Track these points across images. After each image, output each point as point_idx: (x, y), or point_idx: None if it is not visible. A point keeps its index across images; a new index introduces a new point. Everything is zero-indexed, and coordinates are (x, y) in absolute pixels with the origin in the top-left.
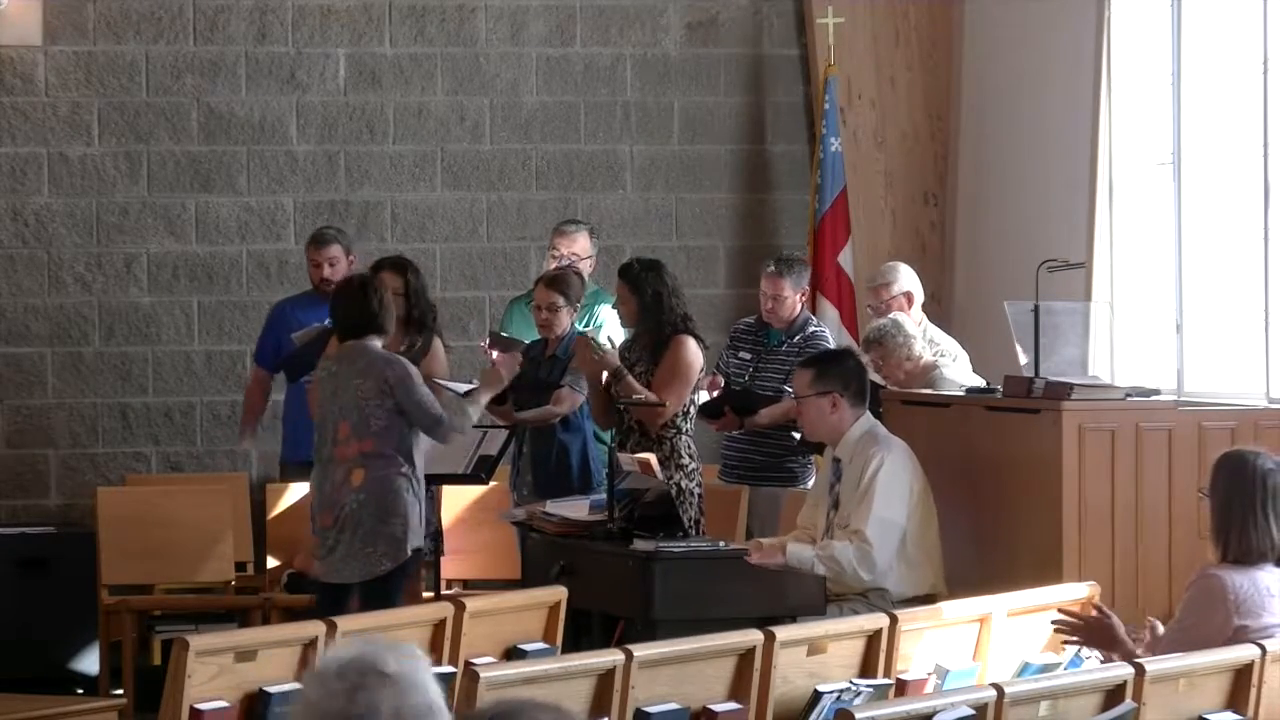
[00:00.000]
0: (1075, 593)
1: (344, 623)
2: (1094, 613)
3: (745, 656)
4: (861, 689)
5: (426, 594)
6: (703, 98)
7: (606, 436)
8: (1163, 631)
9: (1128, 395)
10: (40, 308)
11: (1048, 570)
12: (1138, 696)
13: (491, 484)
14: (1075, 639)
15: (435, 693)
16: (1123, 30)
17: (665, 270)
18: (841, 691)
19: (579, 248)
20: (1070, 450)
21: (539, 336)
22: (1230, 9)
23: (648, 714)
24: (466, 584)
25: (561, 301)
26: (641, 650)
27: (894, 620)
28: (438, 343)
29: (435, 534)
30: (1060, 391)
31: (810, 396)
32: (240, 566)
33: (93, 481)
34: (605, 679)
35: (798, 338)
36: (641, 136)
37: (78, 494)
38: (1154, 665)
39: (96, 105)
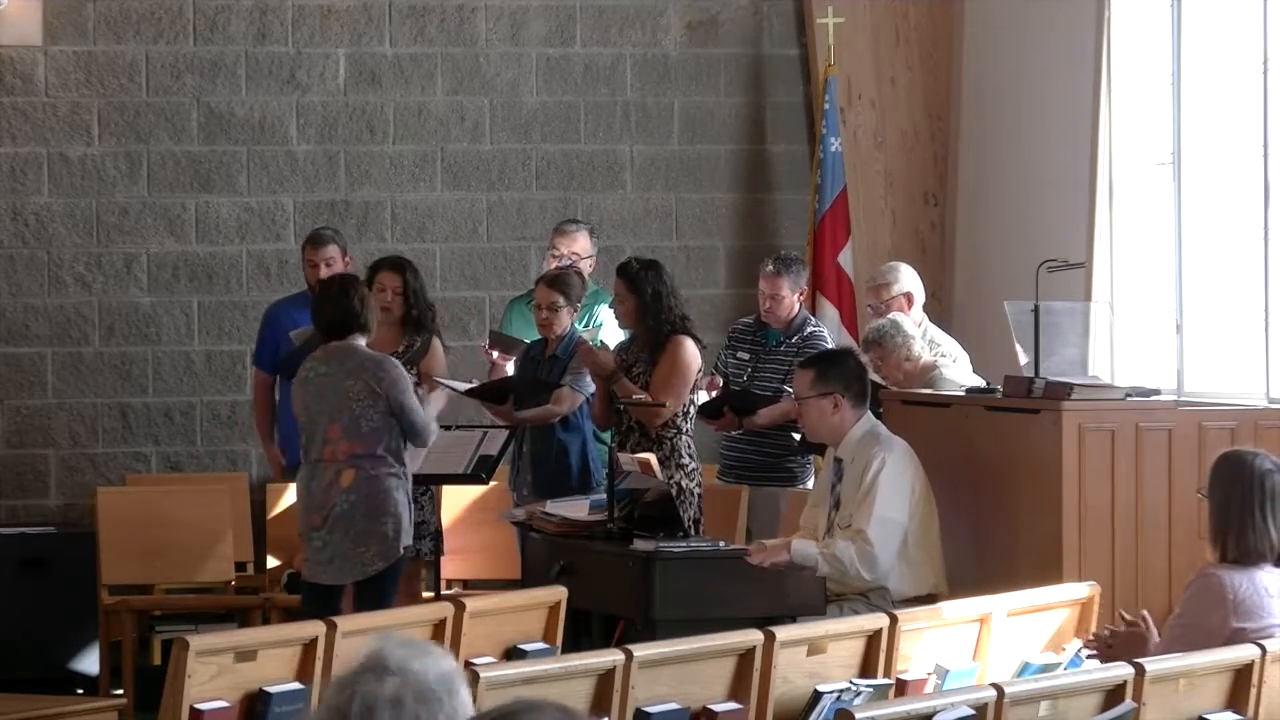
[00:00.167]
0: (1075, 593)
1: (344, 623)
2: (1122, 624)
3: (745, 656)
4: (861, 689)
5: (426, 594)
6: (703, 98)
7: (606, 436)
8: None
9: (1128, 395)
10: (40, 308)
11: (1048, 570)
12: (1138, 696)
13: (491, 484)
14: (1112, 658)
15: (436, 679)
16: (1123, 30)
17: (663, 270)
18: (841, 691)
19: (579, 247)
20: (1070, 450)
21: (539, 336)
22: (1230, 9)
23: (648, 714)
24: (466, 584)
25: (562, 301)
26: (641, 650)
27: (894, 620)
28: (436, 342)
29: (435, 534)
30: (1060, 391)
31: (811, 397)
32: (240, 566)
33: (93, 481)
34: (605, 679)
35: (796, 338)
36: (641, 136)
37: (78, 494)
38: (1154, 665)
39: (96, 105)
